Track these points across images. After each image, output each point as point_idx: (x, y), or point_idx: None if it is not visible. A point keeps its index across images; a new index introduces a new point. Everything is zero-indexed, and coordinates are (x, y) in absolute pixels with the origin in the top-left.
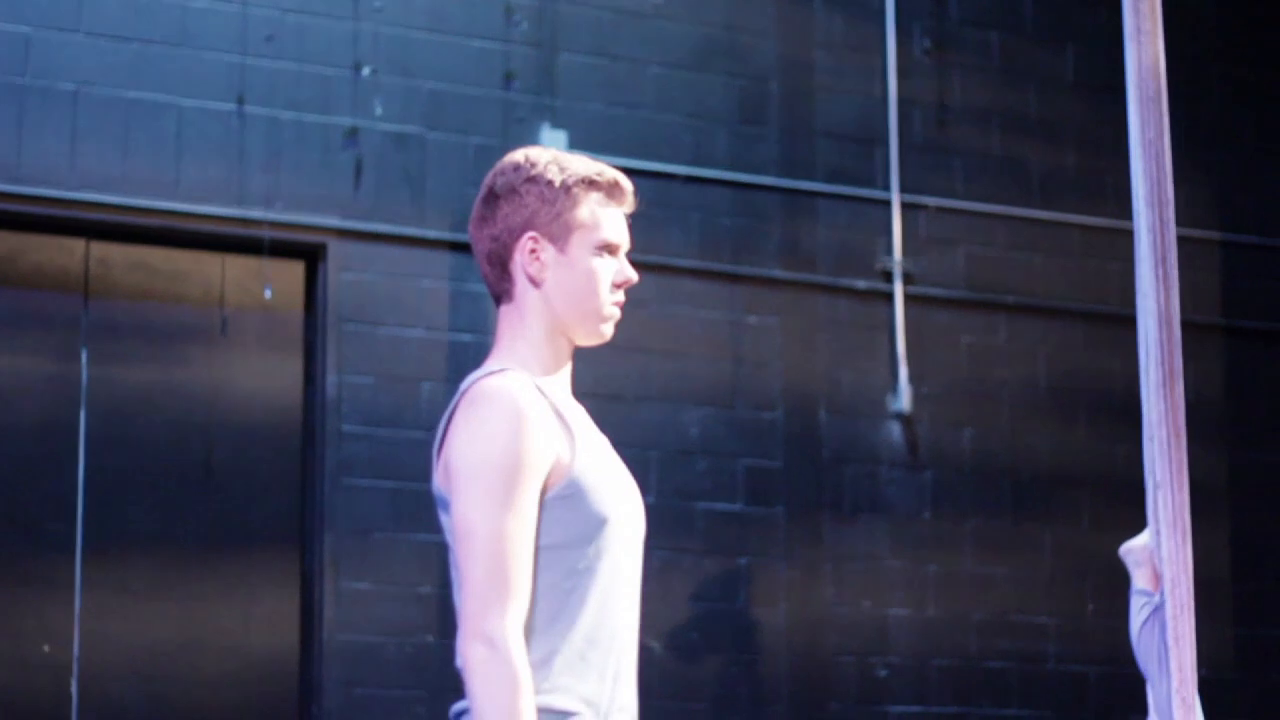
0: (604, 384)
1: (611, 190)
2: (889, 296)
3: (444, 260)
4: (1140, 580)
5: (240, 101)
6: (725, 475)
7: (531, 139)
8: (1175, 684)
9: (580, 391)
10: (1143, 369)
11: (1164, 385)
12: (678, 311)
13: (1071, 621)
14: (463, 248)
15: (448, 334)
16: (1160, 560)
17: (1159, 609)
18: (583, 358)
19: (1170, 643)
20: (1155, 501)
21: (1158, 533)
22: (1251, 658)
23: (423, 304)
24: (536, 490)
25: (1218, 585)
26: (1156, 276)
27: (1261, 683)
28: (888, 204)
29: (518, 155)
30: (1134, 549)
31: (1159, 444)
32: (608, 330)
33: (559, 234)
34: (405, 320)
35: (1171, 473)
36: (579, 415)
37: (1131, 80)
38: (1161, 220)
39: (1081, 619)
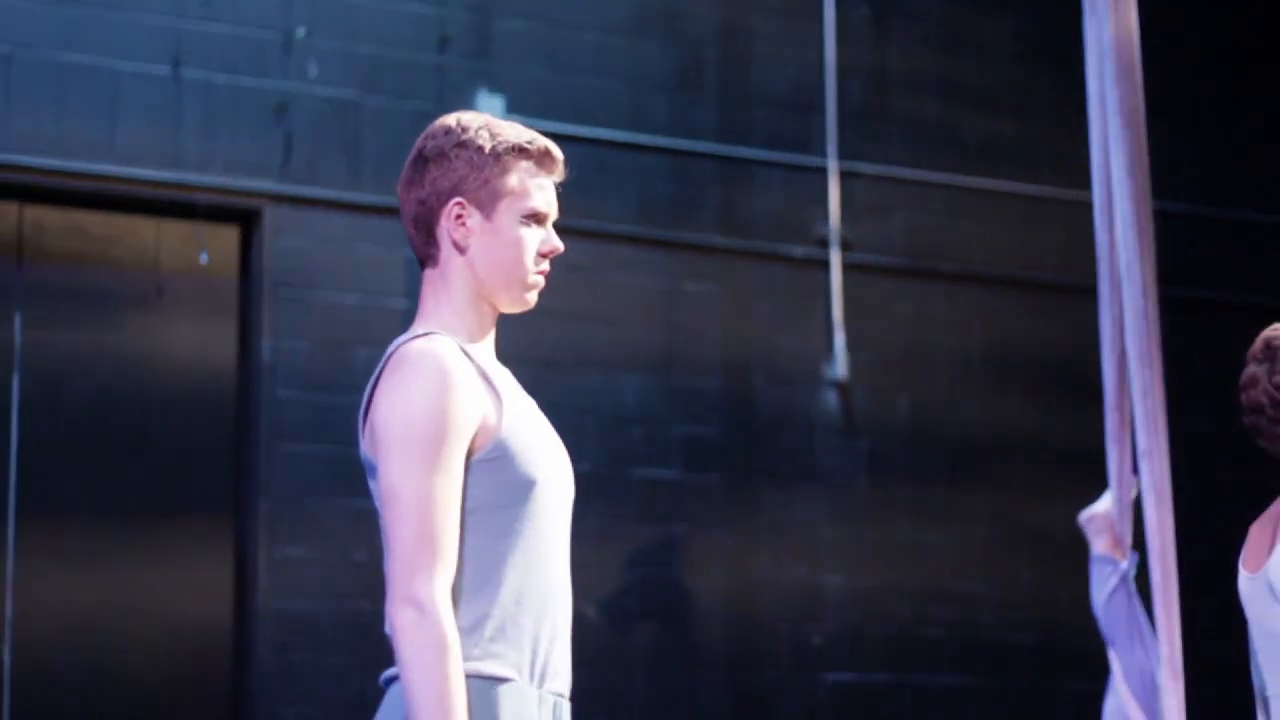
0: (540, 350)
1: (542, 159)
2: (826, 264)
3: (380, 225)
4: (1101, 547)
5: (176, 65)
6: (661, 442)
7: (468, 104)
8: (1165, 652)
9: (516, 357)
10: (1105, 340)
11: (1147, 356)
12: (614, 278)
13: (1006, 589)
14: (396, 213)
15: (384, 299)
16: (1122, 529)
17: (1125, 577)
18: (518, 323)
19: (1159, 610)
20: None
21: (1118, 500)
22: (1190, 629)
23: (358, 269)
24: (462, 453)
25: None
26: (1141, 247)
27: (1199, 654)
28: (825, 171)
29: (449, 119)
30: (1095, 517)
31: (1145, 414)
32: (531, 298)
33: (486, 201)
34: (341, 285)
35: (1156, 441)
36: (506, 379)
37: (1093, 51)
38: (1141, 191)
39: (1016, 587)
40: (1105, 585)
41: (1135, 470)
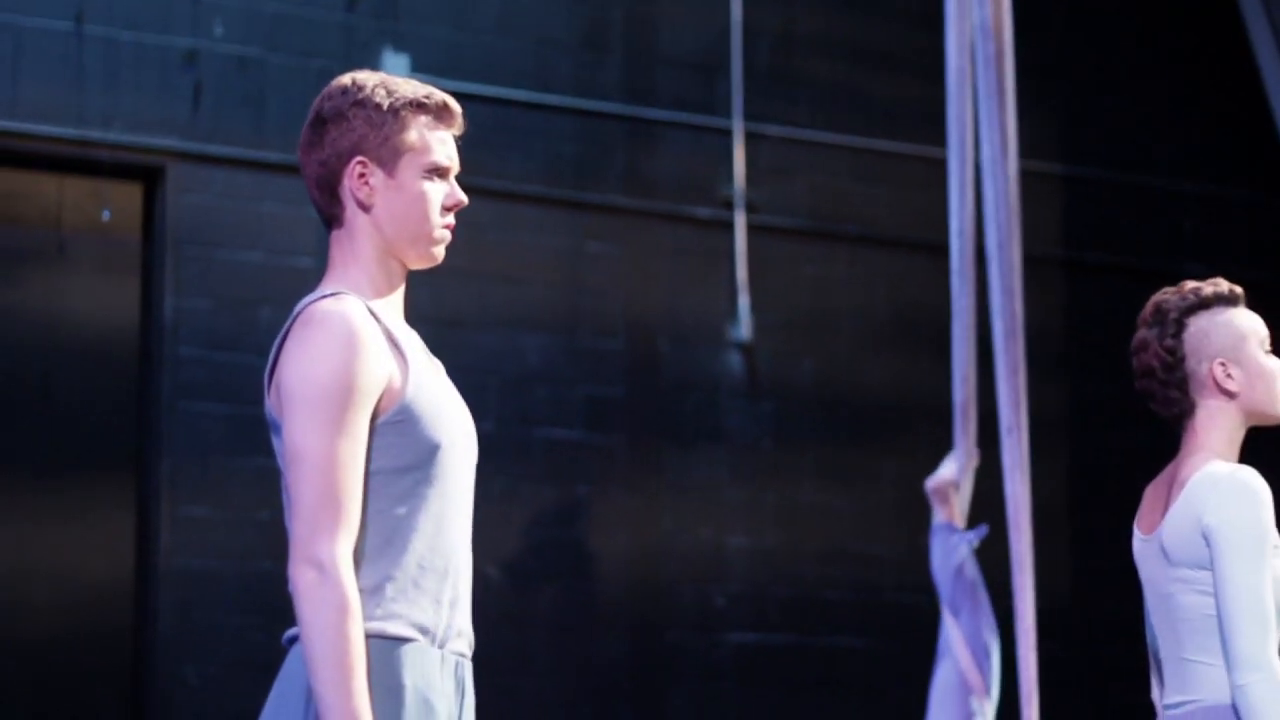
0: (444, 310)
1: (440, 113)
2: (731, 225)
3: (284, 184)
4: (943, 515)
5: (79, 20)
6: (565, 402)
7: (373, 63)
8: (1021, 625)
9: (420, 317)
10: (957, 314)
11: (1013, 334)
12: (519, 238)
13: (909, 552)
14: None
15: (287, 258)
16: (962, 498)
17: (968, 549)
18: (422, 282)
19: (1017, 584)
20: (962, 442)
21: (961, 470)
22: (1088, 588)
23: (262, 227)
24: (367, 414)
25: (1055, 516)
26: (1010, 228)
27: (1097, 612)
28: (730, 133)
29: (345, 79)
30: (940, 486)
31: (1009, 391)
32: (439, 253)
33: (387, 158)
34: (244, 244)
35: (1018, 419)
36: (412, 340)
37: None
38: (1013, 175)
39: (919, 549)
40: (948, 555)
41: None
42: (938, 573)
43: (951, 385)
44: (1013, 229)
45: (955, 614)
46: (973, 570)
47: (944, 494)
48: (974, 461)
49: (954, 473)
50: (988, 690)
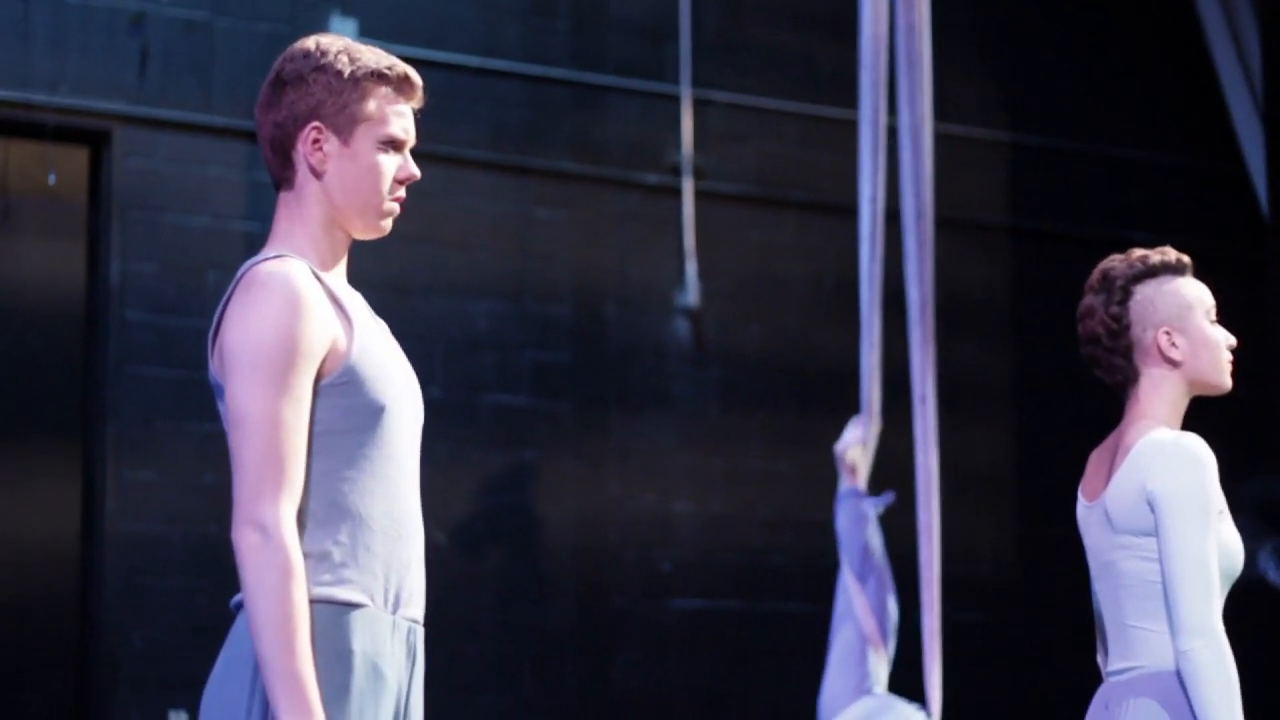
0: (392, 275)
1: (401, 85)
2: (678, 192)
3: (231, 148)
4: (850, 481)
5: None
6: (512, 368)
7: (321, 26)
8: (926, 596)
9: (367, 282)
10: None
11: (925, 305)
12: (466, 203)
13: None
14: (250, 135)
15: (234, 222)
16: (865, 463)
17: (872, 514)
18: (370, 248)
19: (923, 547)
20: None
21: (866, 435)
22: (1033, 555)
23: (209, 192)
24: (311, 376)
25: (1002, 483)
26: (924, 198)
27: (1042, 580)
28: (678, 99)
29: (309, 42)
30: (848, 452)
31: (921, 362)
32: (386, 225)
33: (344, 126)
34: (191, 208)
35: (929, 389)
36: (357, 302)
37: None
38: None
39: None
40: (856, 520)
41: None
42: (843, 537)
43: (860, 350)
44: (928, 199)
45: (861, 579)
46: (877, 537)
47: (850, 459)
48: (877, 427)
49: (859, 437)
50: (885, 645)
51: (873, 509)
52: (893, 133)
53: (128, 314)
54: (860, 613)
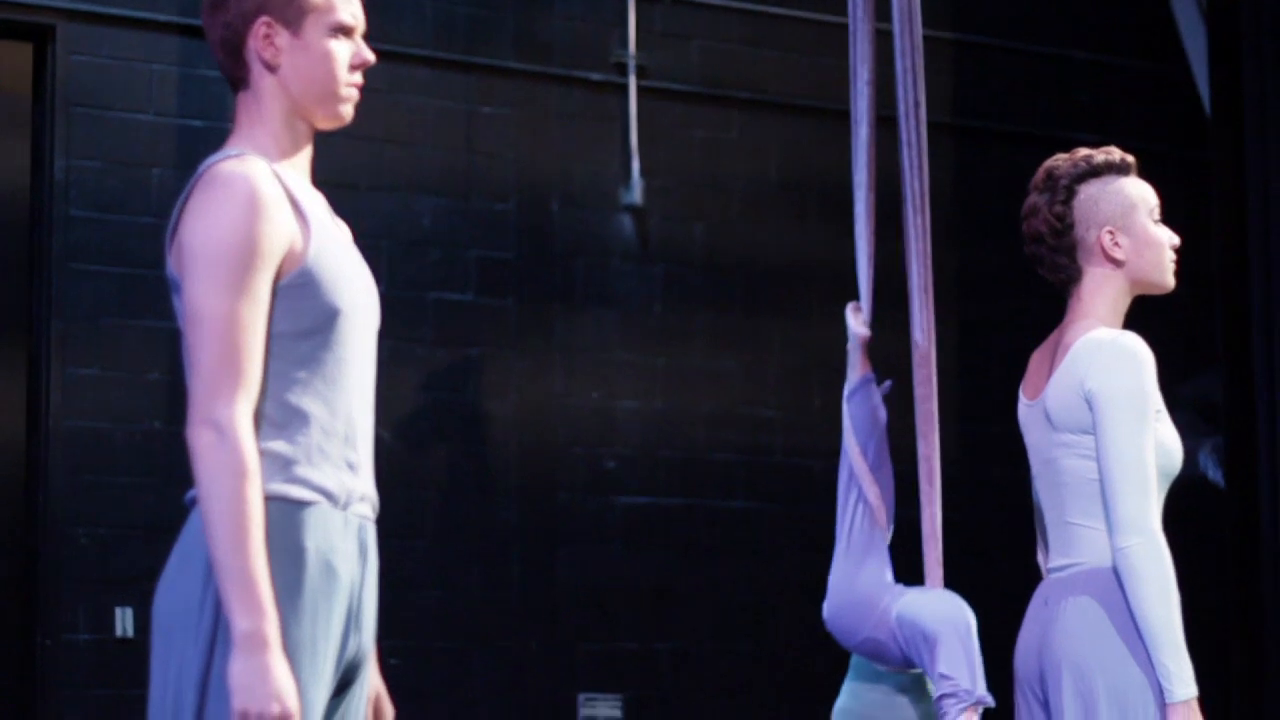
0: (336, 173)
1: None
2: (623, 89)
3: (174, 44)
4: (863, 370)
5: None
6: (457, 266)
7: None
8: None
9: (312, 179)
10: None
11: (922, 194)
12: (411, 100)
13: (798, 415)
14: (193, 31)
15: (178, 119)
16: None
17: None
18: (314, 145)
19: (923, 430)
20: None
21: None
22: (976, 452)
23: (153, 88)
24: (269, 277)
25: (944, 381)
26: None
27: (984, 476)
28: None
29: None
30: (864, 340)
31: (918, 254)
32: (346, 112)
33: (293, 17)
34: (135, 105)
35: (925, 280)
36: (317, 204)
37: None
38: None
39: (808, 412)
40: (869, 409)
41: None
42: (858, 425)
43: (856, 248)
44: (919, 97)
45: (874, 469)
46: (884, 420)
47: (864, 349)
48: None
49: (863, 329)
50: (888, 526)
51: (884, 391)
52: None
53: (72, 211)
54: (873, 500)
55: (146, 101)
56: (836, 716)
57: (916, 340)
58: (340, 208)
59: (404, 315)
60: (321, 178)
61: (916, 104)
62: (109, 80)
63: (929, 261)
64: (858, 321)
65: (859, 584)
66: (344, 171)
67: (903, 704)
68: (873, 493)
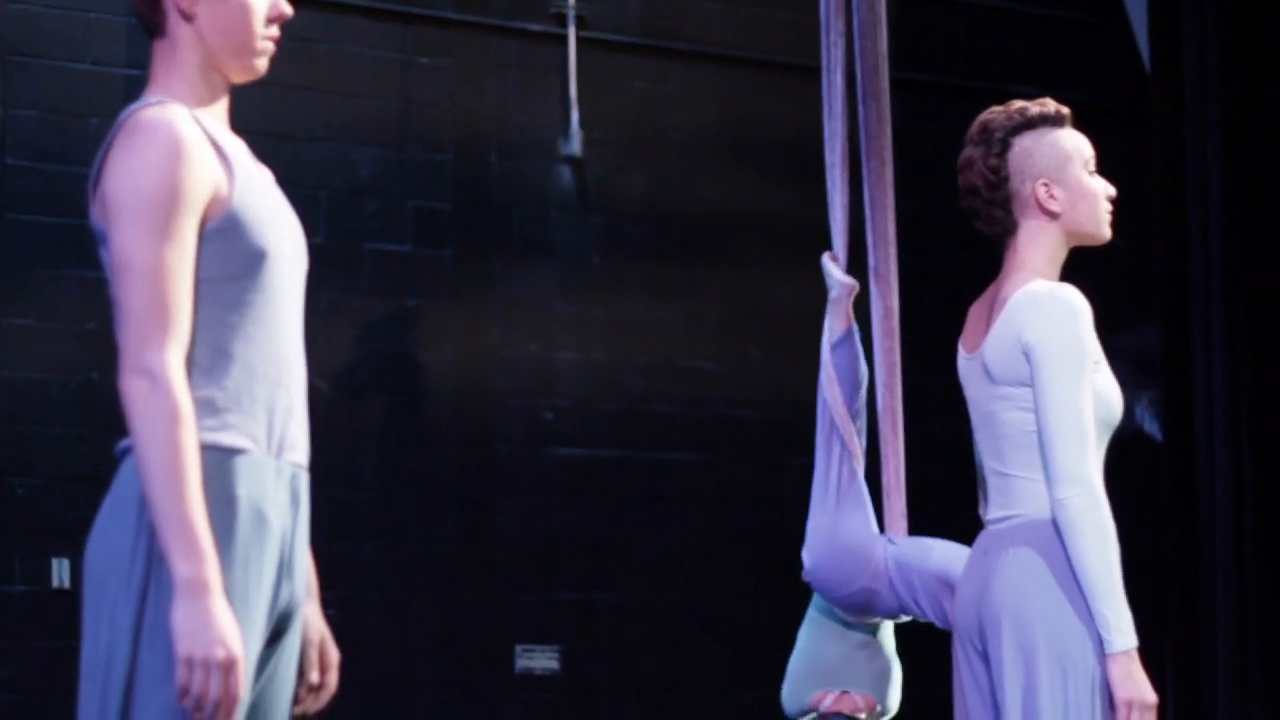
0: (274, 123)
1: None
2: (562, 39)
3: None
4: (845, 323)
5: None
6: (395, 216)
7: None
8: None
9: (249, 129)
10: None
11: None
12: (348, 50)
13: (736, 366)
14: None
15: (117, 69)
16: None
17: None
18: (252, 96)
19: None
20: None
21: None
22: (916, 405)
23: (91, 37)
24: (195, 222)
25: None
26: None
27: (925, 429)
28: None
29: None
30: (851, 292)
31: (879, 208)
32: (261, 65)
33: None
34: (74, 54)
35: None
36: (238, 149)
37: None
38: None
39: (746, 364)
40: (852, 360)
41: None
42: (843, 378)
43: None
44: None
45: (854, 417)
46: (865, 372)
47: (849, 299)
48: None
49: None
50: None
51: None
52: None
53: (8, 160)
54: (854, 450)
55: (85, 51)
56: (794, 670)
57: (880, 292)
58: (277, 158)
59: (341, 266)
60: (259, 128)
61: (878, 56)
62: (47, 29)
63: (892, 214)
64: (839, 271)
65: (843, 535)
66: (281, 122)
67: (862, 659)
68: (854, 444)
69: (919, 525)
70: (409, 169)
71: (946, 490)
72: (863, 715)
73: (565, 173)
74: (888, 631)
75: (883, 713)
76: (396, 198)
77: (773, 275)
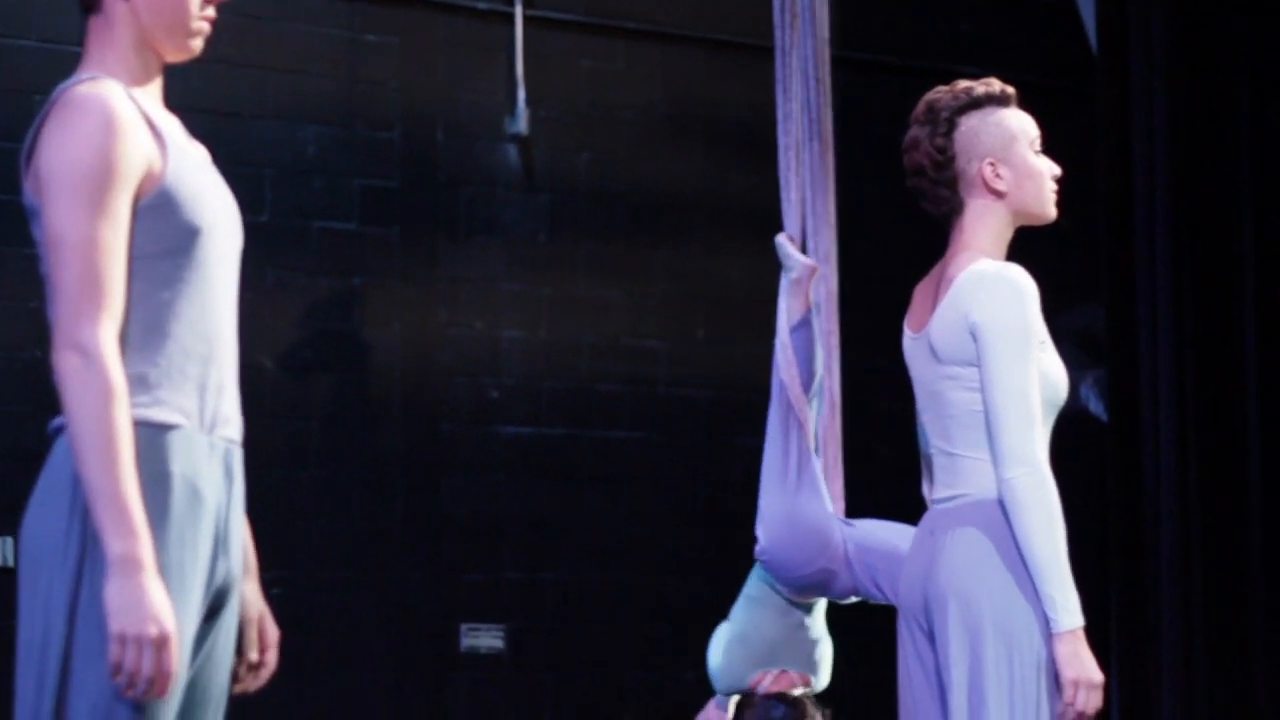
0: (220, 100)
1: None
2: (509, 18)
3: None
4: (805, 305)
5: None
6: (341, 194)
7: None
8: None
9: (195, 107)
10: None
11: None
12: (295, 28)
13: (682, 346)
14: None
15: (61, 45)
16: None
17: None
18: (198, 73)
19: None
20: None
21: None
22: (857, 388)
23: (35, 13)
24: (129, 198)
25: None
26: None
27: (869, 411)
28: None
29: None
30: (807, 276)
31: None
32: (197, 45)
33: None
34: (16, 29)
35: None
36: (173, 126)
37: None
38: None
39: (692, 343)
40: (808, 342)
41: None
42: (801, 360)
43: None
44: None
45: (808, 397)
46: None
47: (809, 281)
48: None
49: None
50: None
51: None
52: None
53: None
54: (809, 432)
55: (26, 27)
56: (733, 652)
57: (821, 273)
58: (223, 135)
59: (287, 244)
60: (204, 105)
61: (820, 40)
62: None
63: (833, 197)
64: (798, 253)
65: (802, 516)
66: (227, 99)
67: (800, 638)
68: (810, 426)
69: (866, 505)
70: (355, 147)
71: (891, 470)
72: (799, 691)
73: (512, 151)
74: (821, 609)
75: (815, 689)
76: (342, 176)
77: (719, 254)
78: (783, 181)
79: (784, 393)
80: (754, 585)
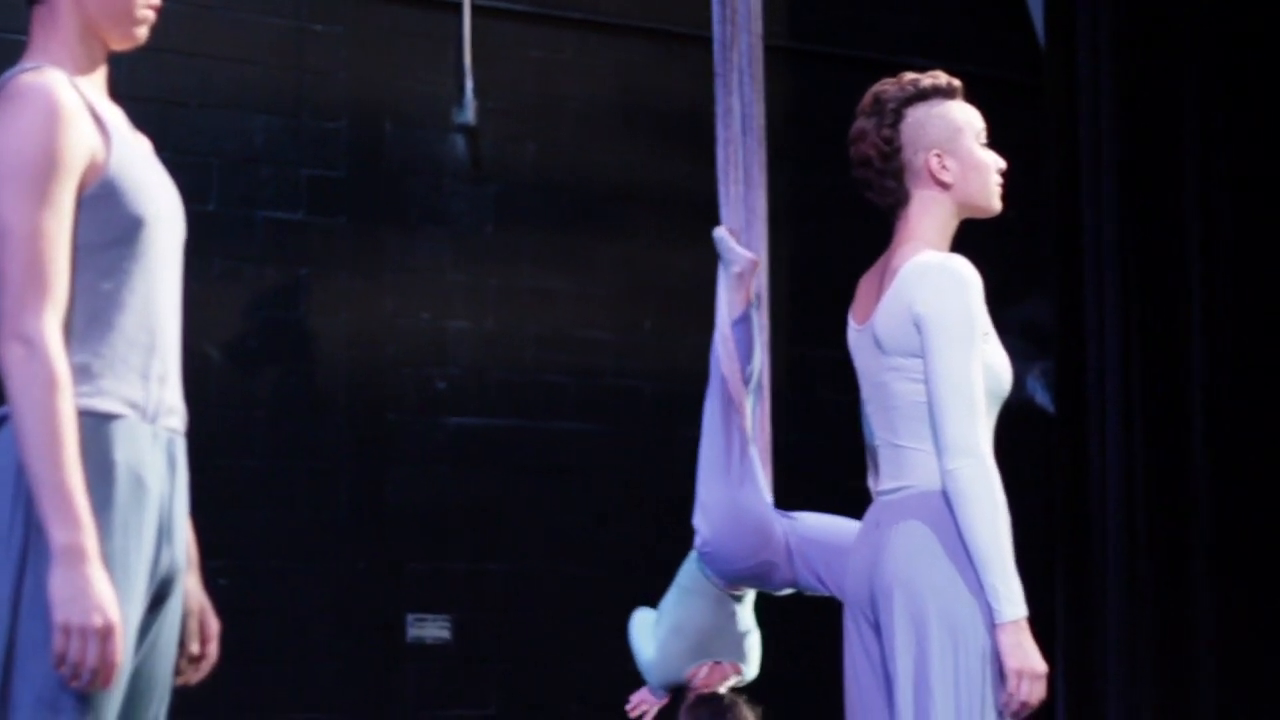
0: (167, 89)
1: None
2: (457, 8)
3: None
4: (746, 300)
5: None
6: (288, 184)
7: None
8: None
9: (143, 96)
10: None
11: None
12: (242, 17)
13: (629, 336)
14: None
15: (6, 34)
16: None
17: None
18: (144, 62)
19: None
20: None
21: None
22: (803, 376)
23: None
24: (73, 188)
25: (774, 305)
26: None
27: (811, 399)
28: None
29: None
30: (749, 269)
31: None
32: (141, 33)
33: None
34: None
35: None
36: (116, 116)
37: None
38: None
39: (638, 334)
40: (748, 337)
41: None
42: (742, 353)
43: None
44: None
45: (748, 389)
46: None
47: (751, 274)
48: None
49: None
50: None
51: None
52: None
53: None
54: (749, 426)
55: None
56: (669, 646)
57: (753, 263)
58: (170, 124)
59: (234, 234)
60: (151, 94)
61: (752, 34)
62: None
63: (765, 191)
64: (740, 247)
65: (743, 509)
66: (175, 88)
67: (732, 629)
68: (748, 419)
69: (808, 496)
70: (302, 136)
71: (835, 461)
72: (731, 681)
73: (459, 141)
74: (750, 600)
75: (745, 679)
76: (290, 165)
77: (665, 245)
78: (720, 175)
79: (724, 386)
80: (688, 576)
